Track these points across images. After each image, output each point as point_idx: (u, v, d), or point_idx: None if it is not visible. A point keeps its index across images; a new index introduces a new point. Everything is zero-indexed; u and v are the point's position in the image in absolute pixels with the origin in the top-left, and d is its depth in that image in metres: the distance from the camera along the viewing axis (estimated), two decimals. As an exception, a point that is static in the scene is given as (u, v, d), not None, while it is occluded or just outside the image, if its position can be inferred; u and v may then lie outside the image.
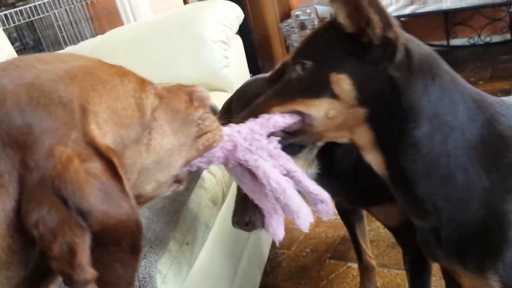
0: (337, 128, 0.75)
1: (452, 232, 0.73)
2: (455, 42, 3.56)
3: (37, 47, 3.92)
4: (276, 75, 0.90)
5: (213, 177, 1.14)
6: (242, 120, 0.75)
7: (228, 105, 1.02)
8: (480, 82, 2.80)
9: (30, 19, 3.49)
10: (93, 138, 0.47)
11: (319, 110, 0.72)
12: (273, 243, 1.78)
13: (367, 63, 0.69)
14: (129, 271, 0.48)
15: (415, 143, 0.69)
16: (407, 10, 3.35)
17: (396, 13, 2.74)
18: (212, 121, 0.67)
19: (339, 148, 0.92)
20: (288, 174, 0.70)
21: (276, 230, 0.71)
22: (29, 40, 4.05)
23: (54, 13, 3.85)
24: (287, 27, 3.73)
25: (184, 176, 0.67)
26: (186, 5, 3.16)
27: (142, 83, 0.59)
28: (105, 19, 4.24)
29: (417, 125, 0.69)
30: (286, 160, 0.71)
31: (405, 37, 0.71)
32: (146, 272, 0.81)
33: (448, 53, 3.42)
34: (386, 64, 0.68)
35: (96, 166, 0.46)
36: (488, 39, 3.54)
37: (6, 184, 0.43)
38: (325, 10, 3.44)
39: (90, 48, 1.75)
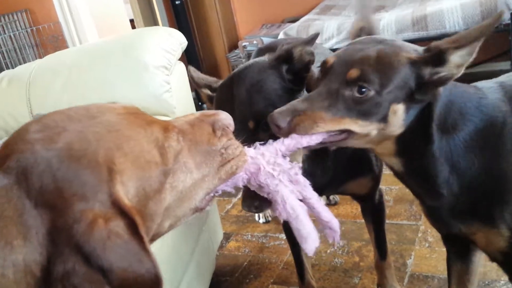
0: (367, 142, 0.87)
1: (465, 201, 0.89)
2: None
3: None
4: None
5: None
6: (285, 117, 0.79)
7: None
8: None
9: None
10: (118, 198, 0.50)
11: (365, 129, 0.82)
12: (216, 269, 1.76)
13: (417, 98, 0.82)
14: None
15: (438, 154, 0.85)
16: (347, 43, 3.49)
17: (338, 45, 2.85)
18: (235, 147, 0.69)
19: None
20: (303, 199, 0.74)
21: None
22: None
23: (-2, 40, 3.74)
24: (234, 57, 3.79)
25: (205, 204, 0.68)
26: (129, 31, 3.15)
27: (166, 130, 0.61)
28: (51, 45, 4.16)
29: (437, 144, 0.84)
30: (304, 187, 0.75)
31: None
32: None
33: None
34: (428, 101, 0.83)
35: (118, 224, 0.49)
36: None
37: (32, 239, 0.47)
38: (271, 41, 3.52)
39: (27, 73, 1.69)
